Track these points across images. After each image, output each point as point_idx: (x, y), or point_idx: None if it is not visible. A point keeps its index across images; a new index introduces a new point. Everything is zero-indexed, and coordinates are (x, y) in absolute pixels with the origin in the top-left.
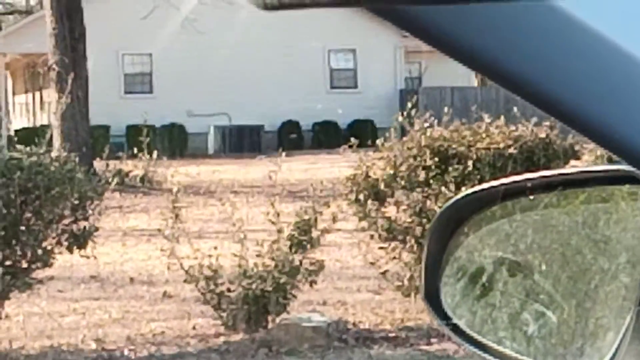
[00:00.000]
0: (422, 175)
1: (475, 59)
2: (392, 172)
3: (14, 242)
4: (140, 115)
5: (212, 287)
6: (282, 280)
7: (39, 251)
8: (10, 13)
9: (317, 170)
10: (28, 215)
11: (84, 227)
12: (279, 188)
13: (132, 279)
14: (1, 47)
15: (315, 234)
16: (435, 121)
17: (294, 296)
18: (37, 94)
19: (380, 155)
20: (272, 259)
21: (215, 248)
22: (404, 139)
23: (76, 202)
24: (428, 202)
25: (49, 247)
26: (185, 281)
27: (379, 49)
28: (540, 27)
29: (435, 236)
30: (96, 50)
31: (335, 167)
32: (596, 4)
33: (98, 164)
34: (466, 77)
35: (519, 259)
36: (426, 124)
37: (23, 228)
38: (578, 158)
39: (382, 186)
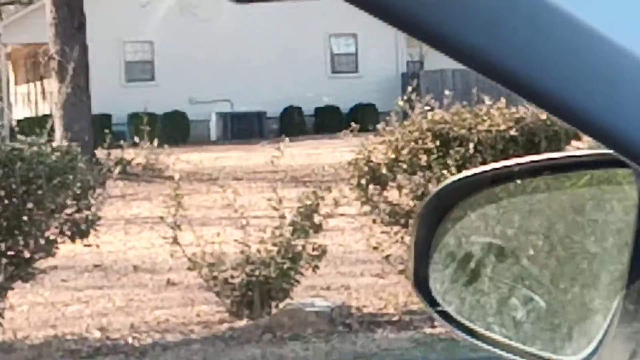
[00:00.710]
0: (423, 158)
1: (461, 52)
2: (393, 156)
3: (16, 232)
4: (143, 103)
5: (215, 273)
6: (285, 266)
7: (42, 241)
8: (11, 3)
9: (319, 156)
10: (30, 205)
11: (86, 216)
12: (282, 174)
13: (135, 267)
14: (2, 37)
15: (317, 219)
16: (437, 104)
17: (297, 281)
18: (39, 84)
19: (382, 139)
20: (275, 244)
21: (218, 235)
22: (405, 122)
23: (78, 191)
24: (430, 186)
25: (51, 237)
26: (188, 268)
27: (380, 33)
28: (526, 18)
29: (424, 222)
30: (97, 38)
31: (337, 152)
32: None
33: (100, 153)
34: None
35: (507, 244)
36: (427, 107)
37: (25, 218)
38: (579, 139)
39: (383, 170)
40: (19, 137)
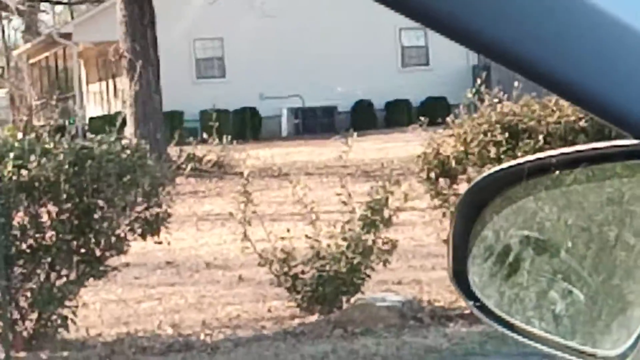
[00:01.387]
0: (493, 151)
1: (473, 39)
2: (462, 148)
3: (87, 230)
4: (213, 100)
5: (286, 269)
6: (355, 261)
7: (113, 239)
8: (82, 2)
9: (390, 150)
10: (100, 203)
11: (157, 214)
12: (353, 168)
13: (207, 264)
14: (74, 36)
15: (387, 213)
16: (506, 96)
17: (368, 276)
18: (110, 82)
19: (451, 132)
20: (345, 239)
21: (288, 230)
22: (474, 115)
23: (148, 188)
24: None
25: (122, 235)
26: (259, 264)
27: None
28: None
29: (462, 215)
30: (167, 36)
31: (408, 145)
32: None
33: (172, 150)
34: None
35: (545, 237)
36: (495, 100)
37: (96, 216)
38: None
39: (453, 163)
40: (90, 135)
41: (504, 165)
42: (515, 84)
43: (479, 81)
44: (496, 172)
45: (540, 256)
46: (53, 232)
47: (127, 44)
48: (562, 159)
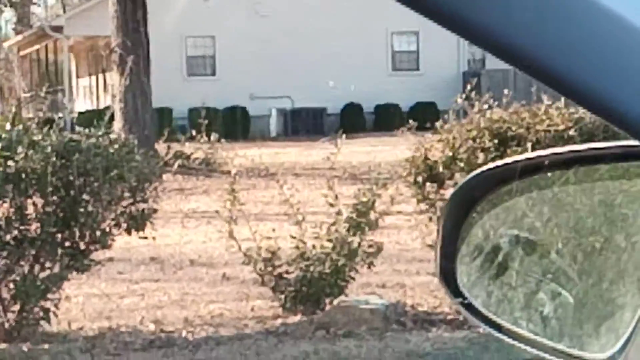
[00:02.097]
0: (481, 157)
1: (475, 33)
2: (450, 154)
3: (72, 223)
4: (203, 97)
5: (270, 269)
6: (340, 263)
7: (98, 233)
8: None
9: (378, 153)
10: (86, 197)
11: (143, 209)
12: (340, 171)
13: (191, 261)
14: (65, 29)
15: (373, 216)
16: (496, 103)
17: (352, 278)
18: (100, 77)
19: (439, 137)
20: (330, 241)
21: (274, 230)
22: (463, 121)
23: (134, 183)
24: None
25: (107, 229)
26: (243, 263)
27: (442, 31)
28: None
29: (451, 214)
30: (159, 32)
31: (396, 149)
32: None
33: (160, 146)
34: None
35: (535, 237)
36: (485, 106)
37: (81, 210)
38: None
39: (440, 168)
40: (78, 129)
41: (496, 163)
42: (505, 91)
43: (469, 87)
44: (488, 170)
45: (529, 256)
46: (38, 224)
47: (118, 39)
48: (554, 159)
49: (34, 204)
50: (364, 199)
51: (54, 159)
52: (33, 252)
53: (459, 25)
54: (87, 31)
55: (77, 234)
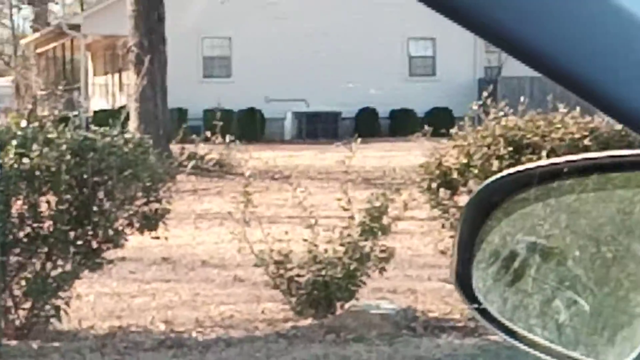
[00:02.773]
0: (495, 164)
1: (491, 32)
2: (465, 160)
3: (85, 222)
4: (219, 99)
5: (281, 271)
6: (352, 267)
7: (110, 232)
8: None
9: (392, 158)
10: (100, 195)
11: (156, 209)
12: (354, 175)
13: (203, 262)
14: (82, 28)
15: (386, 221)
16: (511, 111)
17: (364, 283)
18: (117, 76)
19: (454, 143)
20: (343, 245)
21: (286, 233)
22: (478, 128)
23: (148, 184)
24: None
25: (120, 228)
26: (255, 265)
27: (459, 37)
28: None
29: (468, 219)
30: (175, 33)
31: (411, 155)
32: None
33: (174, 147)
34: None
35: (552, 244)
36: (501, 113)
37: (95, 208)
38: None
39: (454, 175)
40: (93, 127)
41: (516, 169)
42: (521, 99)
43: (485, 94)
44: (507, 175)
45: (546, 264)
46: (51, 222)
47: (135, 38)
48: (574, 166)
49: (48, 202)
50: (377, 204)
51: (69, 157)
52: (45, 249)
53: (478, 25)
54: (104, 30)
55: (90, 232)
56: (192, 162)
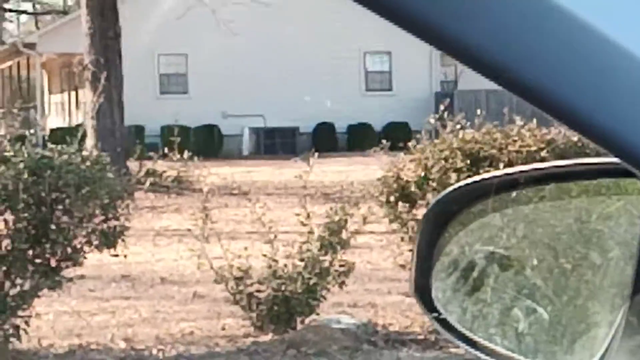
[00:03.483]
0: (453, 177)
1: (456, 47)
2: (423, 174)
3: (43, 240)
4: (175, 116)
5: (241, 287)
6: (311, 282)
7: (69, 250)
8: (48, 13)
9: (350, 173)
10: (58, 213)
11: (114, 227)
12: (312, 190)
13: (162, 279)
14: (38, 46)
15: (345, 235)
16: (468, 124)
17: (324, 297)
18: (73, 94)
19: (412, 157)
20: (302, 260)
21: (246, 249)
22: (436, 141)
23: (106, 201)
24: None
25: (78, 246)
26: (215, 281)
27: (415, 51)
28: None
29: (426, 229)
30: (131, 50)
31: (369, 169)
32: None
33: (132, 164)
34: None
35: (510, 253)
36: (458, 127)
37: (53, 226)
38: None
39: (413, 188)
40: (50, 145)
41: (473, 179)
42: (478, 112)
43: (442, 107)
44: (464, 185)
45: (504, 273)
46: (9, 241)
47: (91, 56)
48: (530, 176)
49: (5, 221)
50: (336, 218)
51: (26, 175)
52: (4, 268)
53: (436, 37)
54: (60, 48)
55: (49, 250)
56: (150, 179)
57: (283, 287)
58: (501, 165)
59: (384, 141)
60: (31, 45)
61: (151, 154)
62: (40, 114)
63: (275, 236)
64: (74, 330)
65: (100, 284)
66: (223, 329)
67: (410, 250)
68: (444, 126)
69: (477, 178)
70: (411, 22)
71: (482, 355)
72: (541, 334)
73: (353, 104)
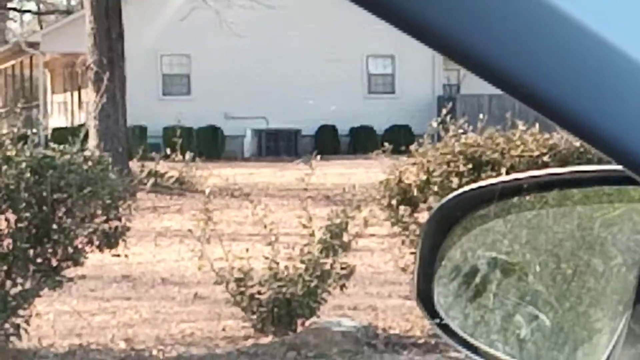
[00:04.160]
0: (455, 181)
1: (451, 47)
2: (425, 177)
3: (45, 240)
4: (178, 116)
5: (242, 289)
6: (312, 284)
7: (70, 250)
8: (51, 12)
9: (352, 175)
10: (60, 213)
11: (116, 227)
12: (314, 192)
13: (163, 280)
14: (41, 46)
15: (346, 238)
16: (470, 128)
17: (325, 300)
18: (76, 94)
19: (414, 160)
20: (303, 262)
21: (247, 250)
22: (438, 145)
23: (108, 201)
24: None
25: (80, 246)
26: (216, 283)
27: (418, 55)
28: (519, 15)
29: (429, 235)
30: (135, 50)
31: (371, 172)
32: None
33: (134, 165)
34: None
35: (513, 259)
36: (460, 131)
37: (55, 226)
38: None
39: (414, 192)
40: (52, 145)
41: (477, 184)
42: (480, 116)
43: (444, 111)
44: (468, 191)
45: (507, 279)
46: (10, 240)
47: (94, 56)
48: (534, 182)
49: (7, 220)
50: (338, 221)
51: (28, 175)
52: (5, 267)
53: (436, 40)
54: (63, 48)
55: (50, 250)
56: (152, 180)
57: (284, 289)
58: (503, 169)
59: (386, 144)
60: (34, 45)
61: (153, 154)
62: (43, 114)
63: (277, 238)
64: (75, 330)
65: (101, 284)
66: (223, 330)
67: (412, 253)
68: (447, 130)
69: (481, 183)
70: (413, 26)
71: None
72: (543, 341)
73: (356, 106)
